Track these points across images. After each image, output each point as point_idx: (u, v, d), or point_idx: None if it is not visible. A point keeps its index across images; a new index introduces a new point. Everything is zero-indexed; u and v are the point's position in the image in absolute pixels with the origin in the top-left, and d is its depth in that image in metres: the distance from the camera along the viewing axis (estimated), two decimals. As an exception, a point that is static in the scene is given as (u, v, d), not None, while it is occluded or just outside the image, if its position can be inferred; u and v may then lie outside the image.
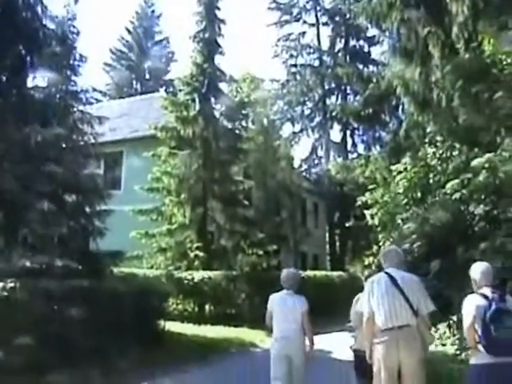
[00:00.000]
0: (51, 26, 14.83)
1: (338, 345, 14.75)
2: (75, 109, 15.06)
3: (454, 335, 12.29)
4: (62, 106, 14.79)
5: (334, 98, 48.51)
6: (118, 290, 12.34)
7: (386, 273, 6.55)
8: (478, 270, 6.19)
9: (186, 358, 12.64)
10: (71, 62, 14.94)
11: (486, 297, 5.78)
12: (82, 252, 14.13)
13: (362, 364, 6.70)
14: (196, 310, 20.75)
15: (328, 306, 20.40)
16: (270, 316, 7.79)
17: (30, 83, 14.60)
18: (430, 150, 12.77)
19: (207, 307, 20.79)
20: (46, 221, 13.21)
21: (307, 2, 48.51)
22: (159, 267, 22.43)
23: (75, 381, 9.58)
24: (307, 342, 7.67)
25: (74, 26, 15.32)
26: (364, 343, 6.59)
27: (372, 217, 15.81)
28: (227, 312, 20.32)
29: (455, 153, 11.50)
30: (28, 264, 13.72)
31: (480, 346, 5.70)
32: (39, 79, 14.75)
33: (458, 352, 11.82)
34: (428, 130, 13.94)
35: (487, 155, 8.84)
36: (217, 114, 25.79)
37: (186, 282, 20.68)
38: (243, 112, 27.34)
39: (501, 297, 5.73)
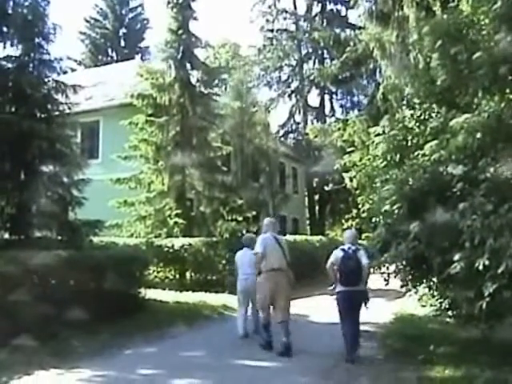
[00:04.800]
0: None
1: (315, 309, 14.88)
2: (49, 78, 14.81)
3: (433, 296, 12.42)
4: (35, 75, 14.55)
5: (311, 63, 48.35)
6: (98, 260, 12.28)
7: (272, 235, 10.38)
8: (345, 234, 10.39)
9: (168, 324, 12.65)
10: (43, 30, 14.62)
11: (344, 250, 9.67)
12: (60, 222, 14.06)
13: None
14: (177, 277, 20.75)
15: (308, 271, 20.52)
16: (237, 266, 12.11)
17: (1, 52, 14.34)
18: (408, 112, 12.71)
19: (188, 274, 20.79)
20: (22, 191, 13.14)
21: (282, -35, 48.08)
22: (139, 235, 22.41)
23: (56, 350, 9.55)
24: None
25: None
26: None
27: (351, 180, 15.86)
28: (208, 278, 20.35)
29: (433, 114, 11.47)
30: (6, 236, 13.70)
31: (339, 280, 9.52)
32: (10, 48, 14.48)
33: (437, 313, 11.97)
34: (405, 92, 13.90)
35: (465, 116, 8.83)
36: (193, 80, 25.54)
37: (166, 249, 20.64)
38: (220, 78, 27.09)
39: (354, 250, 9.58)
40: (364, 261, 9.42)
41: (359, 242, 11.45)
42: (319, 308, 14.35)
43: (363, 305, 9.71)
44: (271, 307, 10.21)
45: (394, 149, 12.01)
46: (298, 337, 10.67)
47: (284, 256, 10.22)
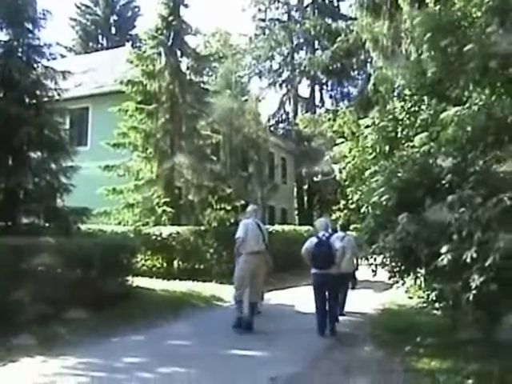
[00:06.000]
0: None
1: (302, 299, 14.87)
2: (38, 64, 14.69)
3: (420, 288, 12.46)
4: (24, 60, 14.44)
5: (302, 53, 48.35)
6: (85, 247, 12.21)
7: (254, 220, 11.31)
8: (317, 222, 11.84)
9: (155, 313, 12.62)
10: (33, 15, 14.49)
11: (318, 237, 10.89)
12: (48, 209, 13.99)
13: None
14: (164, 265, 20.75)
15: (296, 260, 20.50)
16: None
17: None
18: (399, 104, 12.77)
19: (175, 263, 20.79)
20: (10, 177, 13.05)
21: (275, -45, 47.97)
22: (127, 223, 22.36)
23: (43, 338, 9.51)
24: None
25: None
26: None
27: (340, 171, 15.86)
28: (196, 267, 20.34)
29: (424, 106, 11.51)
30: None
31: (312, 264, 10.70)
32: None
33: (424, 305, 12.02)
34: (396, 83, 13.91)
35: (456, 108, 8.84)
36: (183, 67, 25.41)
37: (154, 237, 20.64)
38: (210, 66, 26.97)
39: (327, 237, 10.84)
40: (337, 244, 11.14)
41: (348, 232, 11.57)
42: (306, 298, 14.34)
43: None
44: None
45: (383, 140, 12.06)
46: (284, 326, 10.68)
47: (263, 240, 11.18)
